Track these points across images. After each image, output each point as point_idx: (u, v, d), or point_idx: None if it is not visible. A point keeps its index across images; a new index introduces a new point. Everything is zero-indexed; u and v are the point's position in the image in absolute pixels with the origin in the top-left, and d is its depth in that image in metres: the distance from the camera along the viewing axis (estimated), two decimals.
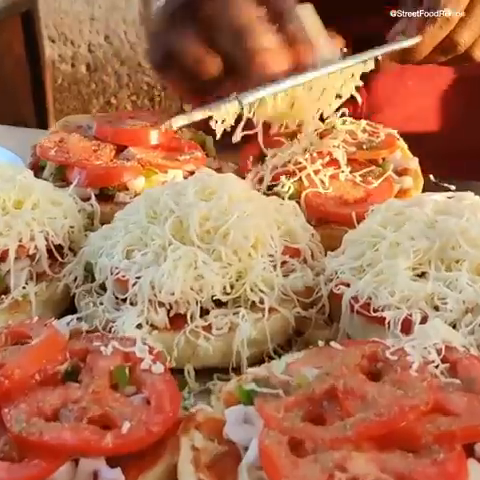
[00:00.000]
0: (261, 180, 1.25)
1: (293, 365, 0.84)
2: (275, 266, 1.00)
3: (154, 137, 1.35)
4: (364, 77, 1.24)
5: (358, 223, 1.15)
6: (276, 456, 0.70)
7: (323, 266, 1.03)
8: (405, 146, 1.36)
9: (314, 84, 1.18)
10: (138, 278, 0.95)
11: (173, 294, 0.93)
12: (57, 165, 1.30)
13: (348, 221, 1.16)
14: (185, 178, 1.31)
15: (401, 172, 1.31)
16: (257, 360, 0.96)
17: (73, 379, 0.82)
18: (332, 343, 0.85)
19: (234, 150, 1.46)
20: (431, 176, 1.42)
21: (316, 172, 1.23)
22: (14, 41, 3.39)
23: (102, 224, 1.20)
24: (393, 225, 0.99)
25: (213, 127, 1.13)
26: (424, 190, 1.30)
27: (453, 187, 1.41)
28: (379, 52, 1.18)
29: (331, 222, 1.17)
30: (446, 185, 1.41)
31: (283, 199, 1.20)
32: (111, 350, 0.85)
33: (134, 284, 0.95)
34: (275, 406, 0.75)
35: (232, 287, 0.96)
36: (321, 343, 0.93)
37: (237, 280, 0.97)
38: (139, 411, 0.77)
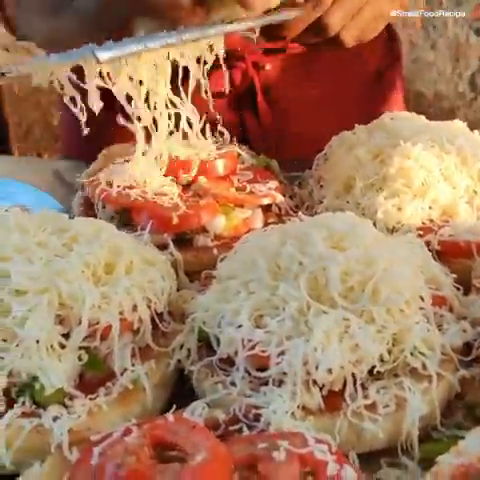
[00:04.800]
0: None
1: None
2: (428, 321, 0.86)
3: (221, 166, 1.19)
4: None
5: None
6: None
7: (473, 314, 0.90)
8: None
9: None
10: (281, 353, 0.79)
11: (330, 371, 0.78)
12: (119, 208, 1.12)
13: (468, 252, 1.04)
14: (269, 213, 1.15)
15: None
16: (423, 434, 0.82)
17: None
18: None
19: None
20: None
21: None
22: None
23: (186, 275, 1.05)
24: None
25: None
26: None
27: None
28: (253, 24, 1.03)
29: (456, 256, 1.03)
30: None
31: None
32: (284, 454, 0.69)
33: (278, 361, 0.79)
34: None
35: (389, 353, 0.82)
36: None
37: (393, 345, 0.82)
38: None
